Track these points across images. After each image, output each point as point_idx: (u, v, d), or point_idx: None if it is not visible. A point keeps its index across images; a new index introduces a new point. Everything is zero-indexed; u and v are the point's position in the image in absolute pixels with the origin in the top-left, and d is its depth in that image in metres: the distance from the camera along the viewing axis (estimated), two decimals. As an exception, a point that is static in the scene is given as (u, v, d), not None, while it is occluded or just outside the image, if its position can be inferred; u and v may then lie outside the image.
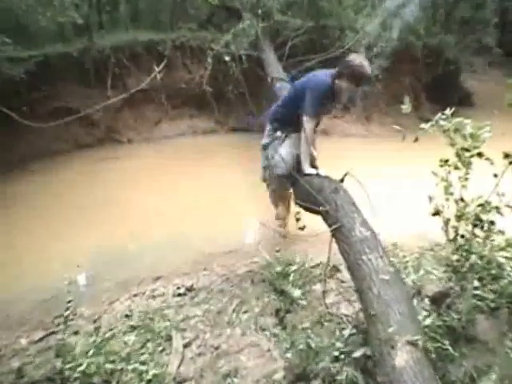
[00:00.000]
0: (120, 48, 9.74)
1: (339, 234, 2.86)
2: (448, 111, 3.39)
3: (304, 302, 3.88)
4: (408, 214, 5.82)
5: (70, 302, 3.52)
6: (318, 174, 3.99)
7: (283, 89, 6.18)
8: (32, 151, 8.91)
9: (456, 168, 3.13)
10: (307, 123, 4.20)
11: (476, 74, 14.58)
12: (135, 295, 4.58)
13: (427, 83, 11.38)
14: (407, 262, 4.64)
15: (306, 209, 3.76)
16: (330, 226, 3.09)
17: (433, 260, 4.66)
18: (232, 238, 5.62)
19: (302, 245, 5.27)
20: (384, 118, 10.53)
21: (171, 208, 6.60)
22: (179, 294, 4.45)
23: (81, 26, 9.78)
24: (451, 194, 3.12)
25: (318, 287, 4.29)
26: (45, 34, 10.01)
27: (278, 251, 5.17)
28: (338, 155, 7.16)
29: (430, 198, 3.24)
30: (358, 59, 4.02)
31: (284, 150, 4.63)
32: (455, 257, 3.14)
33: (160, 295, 4.54)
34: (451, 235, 3.16)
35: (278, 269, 4.30)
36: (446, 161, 3.42)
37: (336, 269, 4.56)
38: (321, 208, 3.12)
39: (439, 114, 3.28)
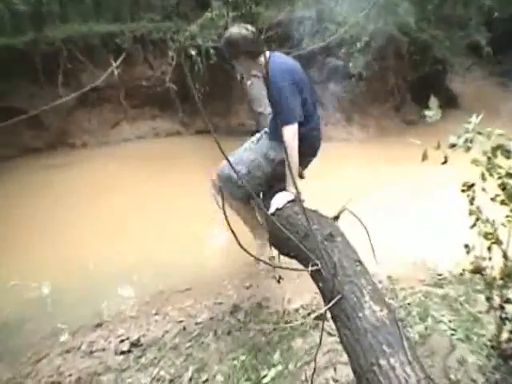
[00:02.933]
0: (73, 40, 8.62)
1: (338, 310, 1.86)
2: (475, 118, 2.43)
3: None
4: (400, 236, 4.93)
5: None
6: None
7: (256, 87, 5.17)
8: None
9: (503, 203, 2.17)
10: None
11: (457, 75, 13.68)
12: (68, 351, 3.56)
13: (412, 83, 10.47)
14: (409, 304, 3.73)
15: (285, 253, 2.74)
16: (323, 294, 2.10)
17: (441, 303, 3.77)
18: (191, 271, 4.54)
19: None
20: (366, 119, 9.60)
21: (121, 230, 5.55)
22: (122, 352, 3.44)
23: (31, 16, 8.66)
24: (496, 242, 2.15)
25: (299, 343, 3.34)
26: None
27: (248, 288, 4.22)
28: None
29: (468, 248, 2.28)
30: None
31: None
32: (504, 335, 2.18)
33: (99, 350, 3.54)
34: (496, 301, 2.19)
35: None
36: (471, 185, 2.50)
37: (321, 316, 3.61)
38: (311, 267, 2.10)
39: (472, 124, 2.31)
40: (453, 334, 3.24)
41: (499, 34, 12.50)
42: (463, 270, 2.52)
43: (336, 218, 2.53)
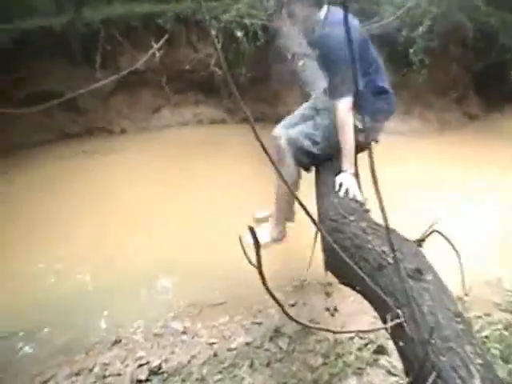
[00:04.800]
0: (112, 21, 8.07)
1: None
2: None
3: None
4: (469, 247, 4.17)
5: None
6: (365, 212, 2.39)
7: (308, 68, 4.58)
8: (6, 143, 7.40)
9: None
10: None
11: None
12: (78, 373, 3.04)
13: (475, 73, 9.54)
14: (487, 337, 3.05)
15: (347, 284, 2.09)
16: (405, 359, 1.47)
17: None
18: (227, 280, 3.92)
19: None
20: (426, 112, 8.77)
21: (155, 225, 5.00)
22: (139, 381, 2.89)
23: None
24: None
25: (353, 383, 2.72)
26: (22, 5, 8.54)
27: (293, 305, 3.61)
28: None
29: None
30: None
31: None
32: None
33: (113, 375, 3.01)
34: None
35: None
36: None
37: (381, 349, 2.97)
38: (390, 320, 1.46)
39: None
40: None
41: None
42: None
43: (420, 241, 1.88)
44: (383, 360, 2.87)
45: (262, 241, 3.02)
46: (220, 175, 6.33)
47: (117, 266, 4.23)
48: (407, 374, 1.44)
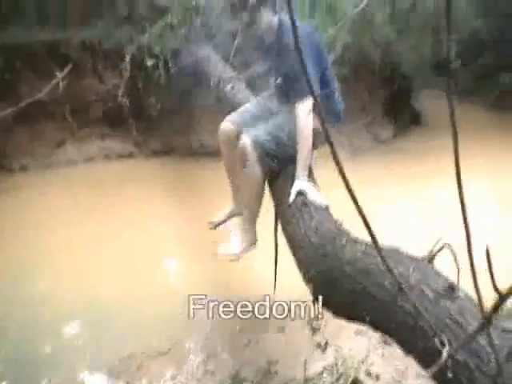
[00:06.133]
0: (11, 48, 7.42)
1: None
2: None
3: None
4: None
5: None
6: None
7: (239, 90, 4.39)
8: None
9: None
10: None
11: (418, 92, 13.33)
12: None
13: (383, 100, 9.91)
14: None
15: (349, 316, 1.76)
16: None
17: None
18: (167, 319, 3.50)
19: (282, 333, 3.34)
20: (338, 138, 8.83)
21: (67, 270, 4.46)
22: None
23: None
24: None
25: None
26: None
27: (246, 345, 3.26)
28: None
29: None
30: None
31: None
32: None
33: None
34: None
35: None
36: None
37: (355, 382, 2.67)
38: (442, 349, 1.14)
39: None
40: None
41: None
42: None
43: (431, 258, 1.63)
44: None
45: (234, 251, 2.92)
46: (132, 212, 5.97)
47: (32, 315, 3.67)
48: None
